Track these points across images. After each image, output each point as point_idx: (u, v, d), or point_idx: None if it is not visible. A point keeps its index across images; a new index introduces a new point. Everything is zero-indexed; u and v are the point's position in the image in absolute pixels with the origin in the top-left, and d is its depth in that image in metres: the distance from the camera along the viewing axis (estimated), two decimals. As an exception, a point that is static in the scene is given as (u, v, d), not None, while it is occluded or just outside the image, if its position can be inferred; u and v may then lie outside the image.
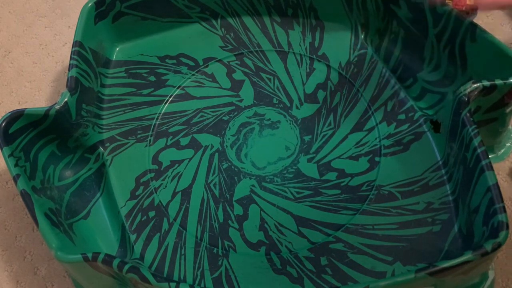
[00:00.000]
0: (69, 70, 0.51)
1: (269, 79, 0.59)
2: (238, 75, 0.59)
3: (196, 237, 0.48)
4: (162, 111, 0.57)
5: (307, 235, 0.48)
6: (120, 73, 0.59)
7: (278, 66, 0.60)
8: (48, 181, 0.48)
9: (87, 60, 0.54)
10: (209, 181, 0.52)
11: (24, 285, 0.50)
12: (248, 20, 0.63)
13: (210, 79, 0.59)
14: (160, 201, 0.51)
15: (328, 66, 0.59)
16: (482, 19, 0.66)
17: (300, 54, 0.60)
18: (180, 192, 0.51)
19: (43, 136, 0.49)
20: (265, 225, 0.49)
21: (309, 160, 0.53)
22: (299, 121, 0.55)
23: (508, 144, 0.55)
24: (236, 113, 0.56)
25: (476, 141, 0.43)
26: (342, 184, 0.51)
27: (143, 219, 0.50)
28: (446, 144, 0.50)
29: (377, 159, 0.52)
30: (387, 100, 0.56)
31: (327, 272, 0.45)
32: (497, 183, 0.41)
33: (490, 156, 0.42)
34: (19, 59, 0.66)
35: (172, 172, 0.53)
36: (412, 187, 0.50)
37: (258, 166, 0.53)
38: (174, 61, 0.60)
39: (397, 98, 0.56)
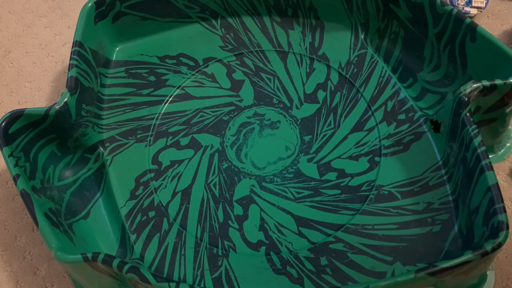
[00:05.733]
0: (69, 70, 0.51)
1: (269, 79, 0.59)
2: (238, 75, 0.59)
3: (196, 237, 0.48)
4: (162, 111, 0.57)
5: (307, 235, 0.48)
6: (120, 73, 0.59)
7: (278, 66, 0.60)
8: (48, 181, 0.48)
9: (87, 60, 0.54)
10: (209, 181, 0.52)
11: (24, 285, 0.50)
12: (248, 20, 0.63)
13: (210, 79, 0.59)
14: (160, 201, 0.51)
15: (328, 66, 0.59)
16: (482, 19, 0.66)
17: (300, 54, 0.60)
18: (180, 192, 0.51)
19: (43, 136, 0.49)
20: (265, 225, 0.49)
21: (309, 160, 0.53)
22: (299, 121, 0.55)
23: (508, 144, 0.55)
24: (236, 113, 0.56)
25: (476, 141, 0.43)
26: (342, 184, 0.51)
27: (143, 219, 0.50)
28: (446, 144, 0.50)
29: (377, 159, 0.52)
30: (387, 100, 0.56)
31: (327, 272, 0.45)
32: (497, 183, 0.41)
33: (490, 156, 0.42)
34: (19, 59, 0.66)
35: (172, 172, 0.53)
36: (412, 187, 0.50)
37: (258, 166, 0.53)
38: (174, 61, 0.60)
39: (397, 98, 0.56)
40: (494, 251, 0.37)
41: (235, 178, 0.52)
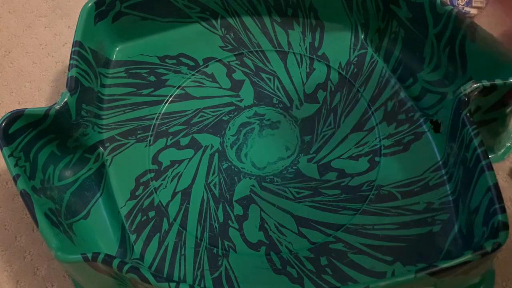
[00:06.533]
0: (69, 70, 0.51)
1: (269, 79, 0.59)
2: (238, 75, 0.59)
3: (196, 237, 0.48)
4: (162, 111, 0.57)
5: (307, 235, 0.48)
6: (120, 73, 0.59)
7: (278, 66, 0.60)
8: (48, 181, 0.48)
9: (87, 60, 0.54)
10: (209, 181, 0.52)
11: (24, 285, 0.50)
12: (248, 20, 0.63)
13: (210, 79, 0.59)
14: (160, 201, 0.51)
15: (328, 66, 0.59)
16: (482, 19, 0.66)
17: (300, 54, 0.60)
18: (180, 192, 0.51)
19: (43, 136, 0.49)
20: (265, 225, 0.49)
21: (309, 160, 0.53)
22: (299, 121, 0.55)
23: (508, 144, 0.55)
24: (236, 113, 0.56)
25: (476, 141, 0.43)
26: (342, 184, 0.51)
27: (143, 219, 0.50)
28: (446, 144, 0.50)
29: (377, 159, 0.52)
30: (387, 100, 0.56)
31: (327, 272, 0.45)
32: (497, 183, 0.40)
33: (490, 156, 0.42)
34: (19, 59, 0.66)
35: (172, 172, 0.53)
36: (412, 187, 0.50)
37: (258, 166, 0.53)
38: (174, 61, 0.60)
39: (397, 98, 0.56)
40: (494, 251, 0.37)
41: (235, 178, 0.52)
